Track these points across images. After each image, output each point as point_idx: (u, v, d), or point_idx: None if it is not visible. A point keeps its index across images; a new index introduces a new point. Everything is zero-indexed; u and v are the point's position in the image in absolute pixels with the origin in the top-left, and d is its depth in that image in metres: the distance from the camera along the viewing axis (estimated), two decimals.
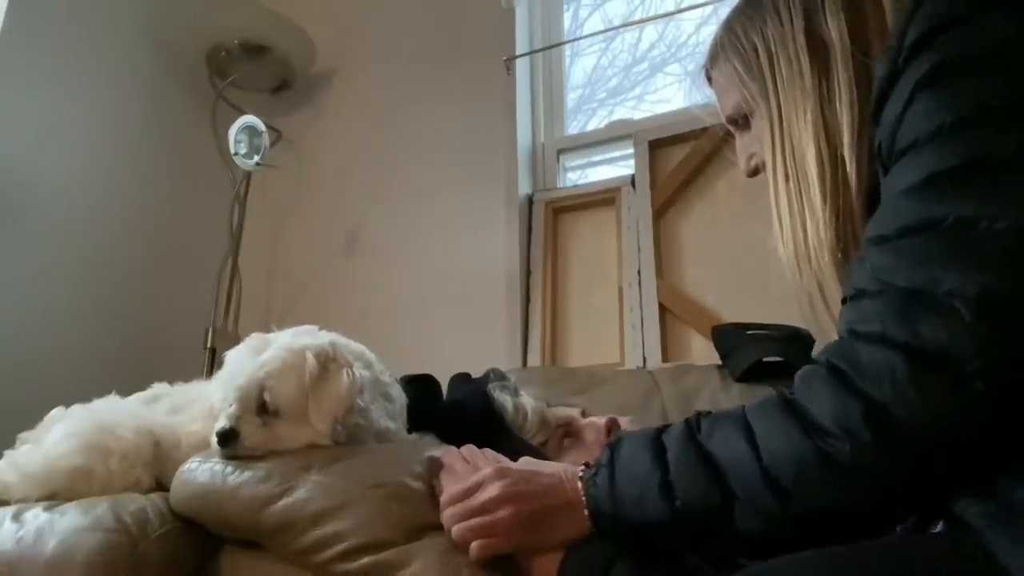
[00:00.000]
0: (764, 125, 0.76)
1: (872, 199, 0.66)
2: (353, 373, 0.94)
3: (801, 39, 0.73)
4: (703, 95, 0.90)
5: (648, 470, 0.64)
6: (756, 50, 0.76)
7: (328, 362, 0.94)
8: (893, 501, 0.56)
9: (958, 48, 0.57)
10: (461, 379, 1.24)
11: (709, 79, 0.87)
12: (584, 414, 1.12)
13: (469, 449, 0.85)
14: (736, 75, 0.79)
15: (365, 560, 0.77)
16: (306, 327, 1.01)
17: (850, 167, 0.67)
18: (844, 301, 0.62)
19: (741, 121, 0.82)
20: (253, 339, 0.98)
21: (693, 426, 0.65)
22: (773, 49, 0.75)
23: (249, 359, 0.94)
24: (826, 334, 0.70)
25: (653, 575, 0.64)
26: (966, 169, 0.54)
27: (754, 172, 0.83)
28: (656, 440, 0.66)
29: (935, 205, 0.54)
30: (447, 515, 0.75)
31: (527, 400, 1.13)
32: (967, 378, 0.50)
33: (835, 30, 0.71)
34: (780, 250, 0.74)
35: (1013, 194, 0.52)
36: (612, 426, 1.05)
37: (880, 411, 0.53)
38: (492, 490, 0.72)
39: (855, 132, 0.67)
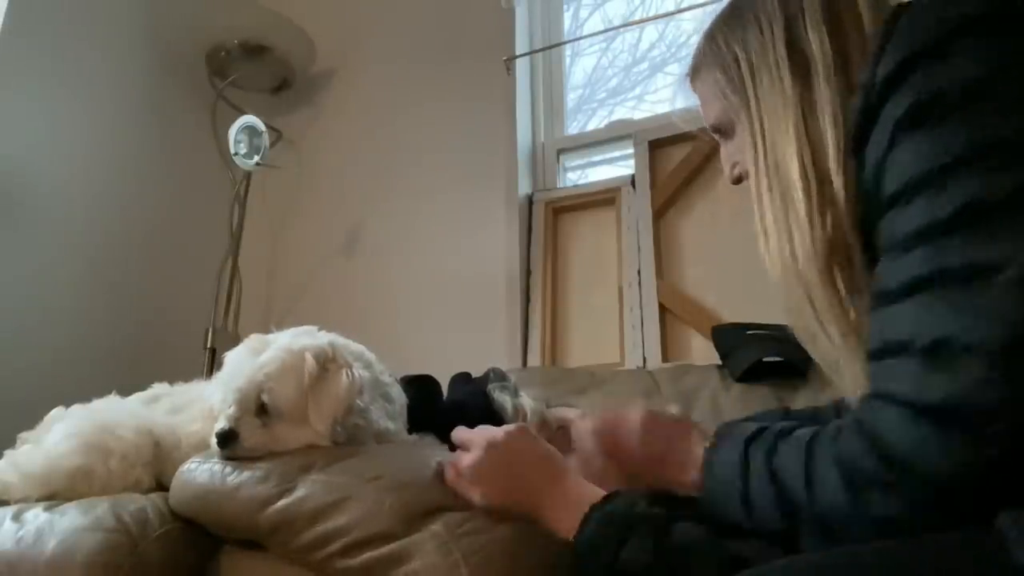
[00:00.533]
0: (746, 137, 0.75)
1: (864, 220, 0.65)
2: (353, 374, 0.94)
3: (782, 50, 0.72)
4: (687, 101, 0.89)
5: (732, 479, 0.67)
6: (737, 61, 0.76)
7: (327, 363, 0.94)
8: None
9: (934, 86, 0.56)
10: (461, 379, 1.24)
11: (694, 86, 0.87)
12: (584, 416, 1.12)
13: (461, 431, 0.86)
14: (718, 86, 0.79)
15: (365, 556, 0.77)
16: (305, 328, 1.01)
17: (837, 182, 0.66)
18: (870, 355, 0.60)
19: (725, 130, 0.82)
20: (252, 340, 0.98)
21: (771, 444, 0.65)
22: (754, 60, 0.74)
23: (248, 360, 0.94)
24: (817, 346, 0.70)
25: (671, 538, 0.65)
26: (961, 218, 0.52)
27: (738, 180, 0.82)
28: (744, 451, 0.67)
29: (935, 258, 0.53)
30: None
31: (526, 401, 1.13)
32: (993, 435, 0.49)
33: (816, 43, 0.70)
34: (767, 262, 0.73)
35: (1013, 238, 0.50)
36: None
37: (910, 471, 0.53)
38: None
39: (840, 148, 0.66)
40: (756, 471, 0.64)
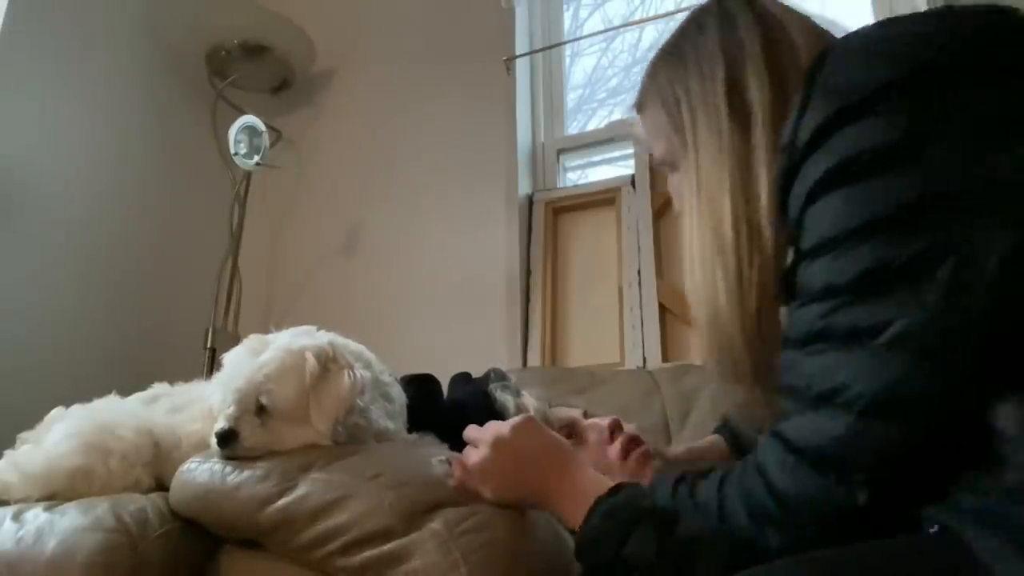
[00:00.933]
0: (684, 180, 0.75)
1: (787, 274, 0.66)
2: (354, 374, 0.94)
3: (722, 96, 0.71)
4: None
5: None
6: (678, 103, 0.75)
7: (328, 363, 0.94)
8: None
9: (849, 149, 0.57)
10: (461, 379, 1.24)
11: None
12: (586, 415, 1.12)
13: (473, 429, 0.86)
14: (661, 125, 0.78)
15: (365, 554, 0.77)
16: (304, 327, 1.01)
17: (767, 233, 0.66)
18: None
19: (670, 165, 0.81)
20: (251, 340, 0.98)
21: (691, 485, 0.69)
22: (694, 104, 0.74)
23: (247, 360, 0.94)
24: (737, 389, 0.72)
25: (676, 532, 0.66)
26: (854, 283, 0.55)
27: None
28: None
29: (827, 317, 0.57)
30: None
31: (529, 400, 1.13)
32: (862, 482, 0.54)
33: (757, 91, 0.69)
34: (692, 301, 0.73)
35: (897, 304, 0.53)
36: (615, 427, 1.05)
37: (795, 510, 0.58)
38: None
39: (774, 201, 0.66)
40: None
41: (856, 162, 0.57)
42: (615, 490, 0.72)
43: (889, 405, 0.53)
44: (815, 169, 0.59)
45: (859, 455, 0.54)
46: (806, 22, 0.74)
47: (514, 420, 0.81)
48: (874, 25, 0.65)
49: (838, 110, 0.58)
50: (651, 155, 0.88)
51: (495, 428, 0.81)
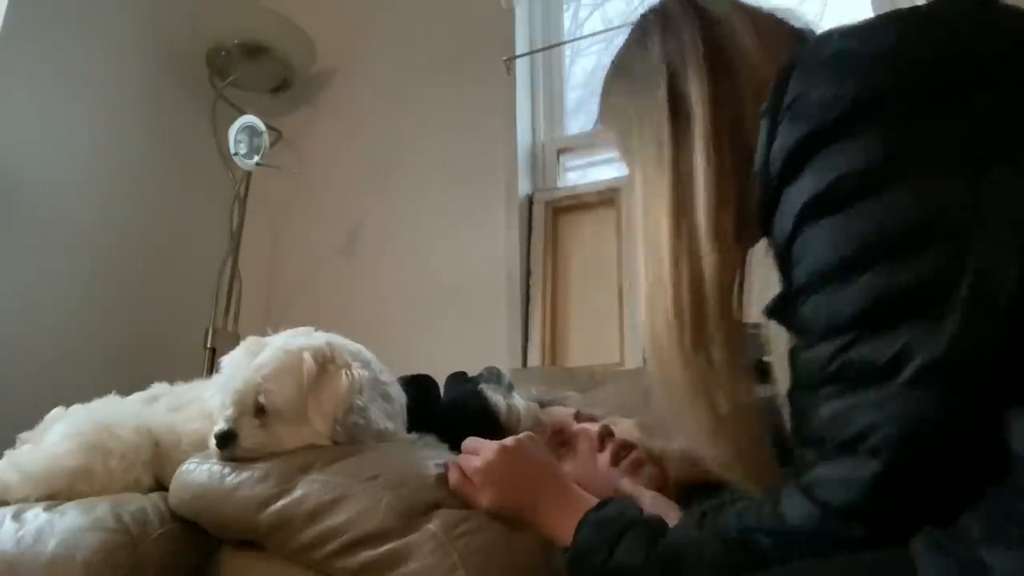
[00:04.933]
0: (631, 201, 0.72)
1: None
2: (353, 373, 0.94)
3: (664, 109, 0.67)
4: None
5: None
6: (626, 120, 0.73)
7: (327, 363, 0.94)
8: None
9: (832, 173, 0.54)
10: (458, 378, 1.23)
11: None
12: (579, 416, 1.10)
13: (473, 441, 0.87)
14: (615, 143, 0.77)
15: (363, 556, 0.77)
16: (302, 328, 1.01)
17: (707, 251, 0.63)
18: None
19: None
20: (249, 342, 0.98)
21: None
22: (640, 120, 0.70)
23: (245, 362, 0.94)
24: (659, 415, 0.71)
25: (664, 540, 0.65)
26: (863, 315, 0.52)
27: None
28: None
29: (839, 355, 0.53)
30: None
31: (519, 401, 1.12)
32: (892, 531, 0.50)
33: (697, 94, 0.66)
34: (640, 328, 0.70)
35: (912, 335, 0.50)
36: (605, 435, 1.03)
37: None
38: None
39: (712, 216, 0.62)
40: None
41: (839, 188, 0.53)
42: (604, 503, 0.73)
43: (918, 443, 0.49)
44: (796, 198, 0.56)
45: (890, 500, 0.51)
46: (758, 19, 0.70)
47: (520, 435, 0.83)
48: (841, 31, 0.60)
49: (812, 132, 0.55)
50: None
51: (499, 441, 0.83)
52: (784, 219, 0.57)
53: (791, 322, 0.60)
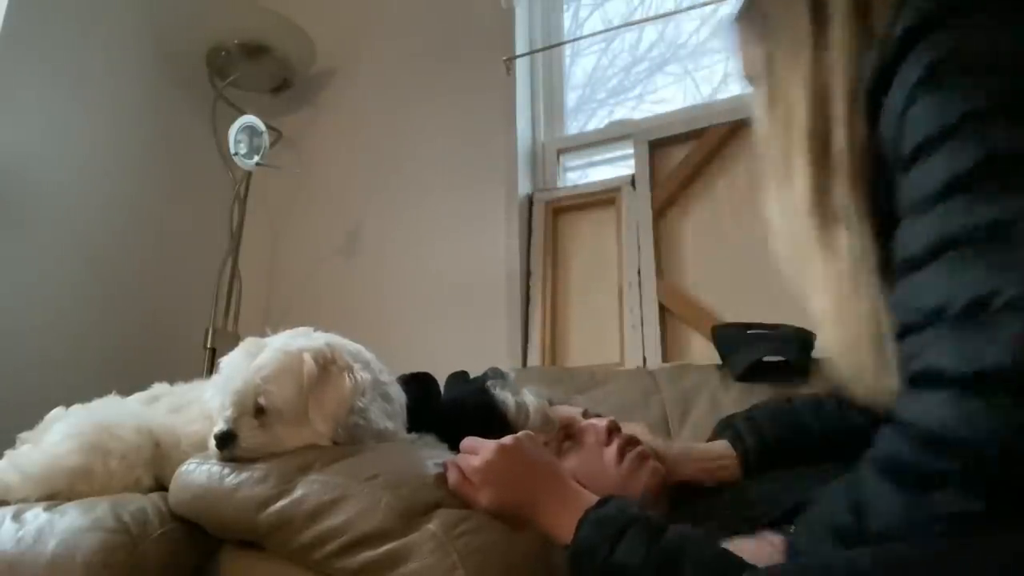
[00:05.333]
0: (761, 93, 0.71)
1: (874, 185, 0.61)
2: (355, 377, 0.94)
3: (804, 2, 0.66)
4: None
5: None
6: (763, 7, 0.72)
7: (328, 364, 0.94)
8: None
9: (956, 43, 0.52)
10: (458, 378, 1.23)
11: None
12: (586, 414, 1.11)
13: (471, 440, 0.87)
14: (746, 34, 0.76)
15: (363, 556, 0.77)
16: (301, 328, 1.01)
17: (839, 134, 0.61)
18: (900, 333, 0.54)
19: (751, 82, 0.78)
20: (247, 343, 0.98)
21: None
22: (778, 7, 0.70)
23: (244, 363, 0.94)
24: (806, 298, 0.65)
25: (664, 538, 0.65)
26: (984, 169, 0.48)
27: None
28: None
29: (960, 214, 0.48)
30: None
31: (529, 398, 1.12)
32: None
33: None
34: (769, 216, 0.69)
35: None
36: (613, 429, 1.04)
37: (966, 454, 0.46)
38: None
39: (848, 101, 0.61)
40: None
41: (963, 56, 0.52)
42: (603, 502, 0.73)
43: None
44: (915, 67, 0.54)
45: None
46: None
47: (518, 434, 0.83)
48: None
49: (943, 5, 0.54)
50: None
51: (497, 440, 0.82)
52: (898, 93, 0.56)
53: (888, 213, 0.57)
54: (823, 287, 0.63)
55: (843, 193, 0.61)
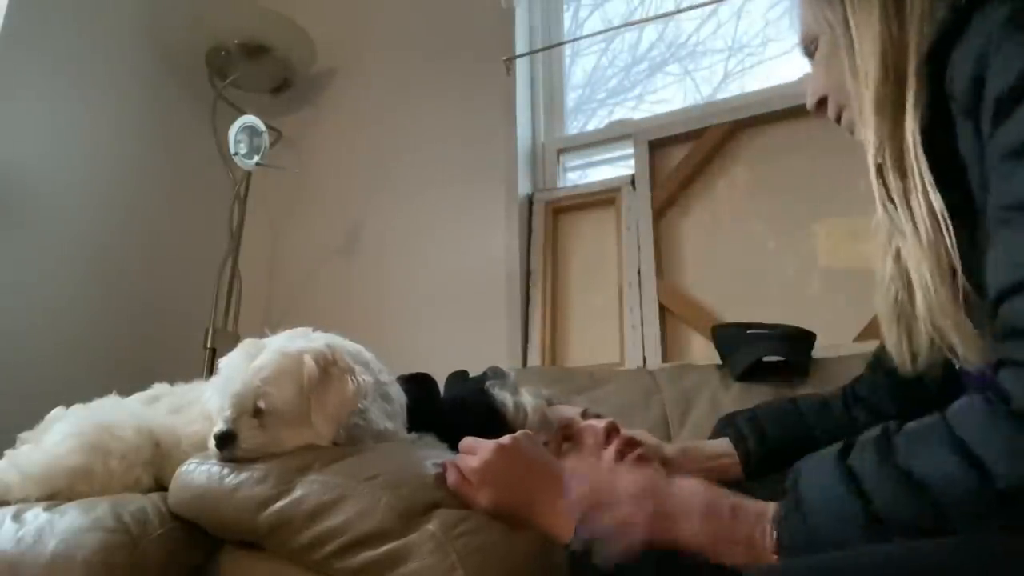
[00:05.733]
0: (828, 41, 0.72)
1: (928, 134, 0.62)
2: (358, 379, 0.94)
3: None
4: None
5: (847, 506, 0.56)
6: None
7: (329, 366, 0.94)
8: None
9: None
10: (458, 377, 1.23)
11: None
12: (586, 414, 1.11)
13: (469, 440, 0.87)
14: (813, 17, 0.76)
15: (362, 556, 0.77)
16: (300, 329, 1.01)
17: (910, 87, 0.62)
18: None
19: (812, 48, 0.78)
20: (246, 344, 0.98)
21: (880, 448, 0.57)
22: None
23: (244, 364, 0.94)
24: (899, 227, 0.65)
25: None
26: None
27: (818, 106, 0.79)
28: (845, 469, 0.58)
29: None
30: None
31: (527, 398, 1.12)
32: None
33: None
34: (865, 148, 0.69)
35: None
36: (612, 430, 1.04)
37: None
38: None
39: (921, 54, 0.62)
40: (878, 482, 0.55)
41: None
42: None
43: None
44: (994, 14, 0.54)
45: None
46: None
47: (516, 433, 0.83)
48: None
49: None
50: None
51: (496, 440, 0.82)
52: (972, 44, 0.56)
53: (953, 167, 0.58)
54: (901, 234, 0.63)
55: (912, 143, 0.62)
